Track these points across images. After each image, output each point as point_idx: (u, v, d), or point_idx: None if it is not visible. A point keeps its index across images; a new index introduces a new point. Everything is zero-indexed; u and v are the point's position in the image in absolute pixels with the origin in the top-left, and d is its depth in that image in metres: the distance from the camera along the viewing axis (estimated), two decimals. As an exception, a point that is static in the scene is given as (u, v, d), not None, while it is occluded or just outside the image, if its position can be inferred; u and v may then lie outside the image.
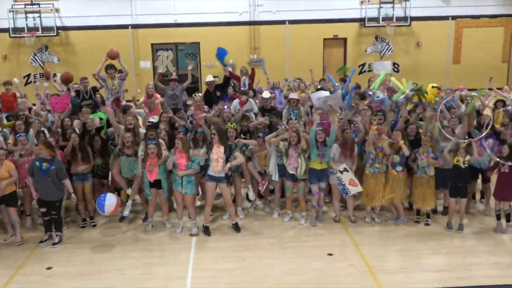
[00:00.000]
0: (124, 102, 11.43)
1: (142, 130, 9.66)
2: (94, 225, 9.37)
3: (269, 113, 10.43)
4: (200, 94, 10.92)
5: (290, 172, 9.08)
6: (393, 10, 22.82)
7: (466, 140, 8.78)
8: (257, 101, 11.49)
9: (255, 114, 10.91)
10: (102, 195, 8.77)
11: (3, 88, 12.06)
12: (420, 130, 9.45)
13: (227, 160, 8.76)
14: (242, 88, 12.40)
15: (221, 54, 12.97)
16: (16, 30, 21.84)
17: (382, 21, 22.83)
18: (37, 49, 22.50)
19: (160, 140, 9.06)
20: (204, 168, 8.91)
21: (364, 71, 23.42)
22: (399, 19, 22.89)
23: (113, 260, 8.16)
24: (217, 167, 8.68)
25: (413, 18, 22.94)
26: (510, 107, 10.74)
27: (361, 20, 23.11)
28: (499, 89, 11.96)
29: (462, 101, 10.87)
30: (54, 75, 20.71)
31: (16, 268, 7.92)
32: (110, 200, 8.58)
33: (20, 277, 7.70)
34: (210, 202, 9.04)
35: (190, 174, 8.78)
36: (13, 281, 7.57)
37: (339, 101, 10.11)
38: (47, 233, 8.75)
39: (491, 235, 8.78)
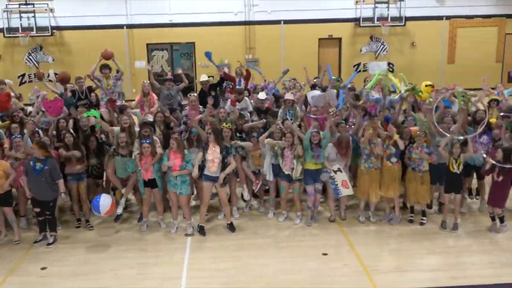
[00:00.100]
0: (119, 102, 11.39)
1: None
2: (91, 228, 9.31)
3: (265, 114, 10.43)
4: (195, 94, 10.87)
5: (286, 172, 9.09)
6: (388, 10, 22.92)
7: (461, 137, 8.83)
8: (252, 100, 11.48)
9: (250, 113, 10.91)
10: (97, 196, 8.76)
11: None
12: (416, 128, 9.45)
13: (223, 160, 8.76)
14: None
15: (208, 55, 13.04)
16: (11, 30, 21.82)
17: (377, 21, 22.92)
18: (31, 49, 22.46)
19: (155, 137, 9.05)
20: (200, 168, 8.90)
21: (359, 71, 23.44)
22: (394, 19, 22.98)
23: (108, 260, 8.15)
24: (212, 167, 8.68)
25: (408, 18, 23.04)
26: (503, 102, 10.83)
27: (356, 20, 23.18)
28: (492, 88, 11.99)
29: (455, 96, 10.94)
30: (49, 75, 20.68)
31: (11, 269, 7.90)
32: (105, 201, 8.56)
33: (15, 277, 7.68)
34: (206, 202, 9.03)
35: (185, 174, 8.78)
36: (7, 282, 7.54)
37: (333, 98, 10.18)
38: (41, 233, 8.74)
39: (485, 235, 8.81)
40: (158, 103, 11.36)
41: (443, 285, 7.27)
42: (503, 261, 7.90)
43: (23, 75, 22.52)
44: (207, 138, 8.92)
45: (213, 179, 8.81)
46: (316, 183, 9.12)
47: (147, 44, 23.05)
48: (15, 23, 21.77)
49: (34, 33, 21.83)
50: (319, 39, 23.47)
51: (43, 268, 7.91)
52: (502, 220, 8.86)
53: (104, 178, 9.99)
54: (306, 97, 11.07)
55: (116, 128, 9.60)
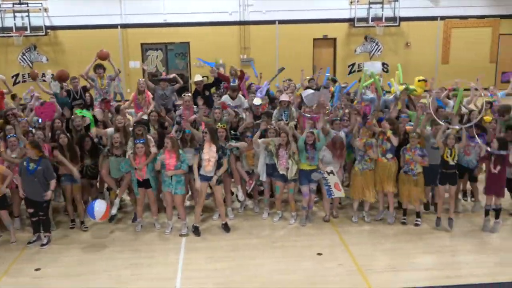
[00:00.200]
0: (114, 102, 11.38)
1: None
2: (86, 229, 9.26)
3: (260, 119, 10.40)
4: (189, 94, 10.86)
5: (281, 172, 9.09)
6: (382, 11, 22.96)
7: (456, 126, 8.89)
8: (247, 100, 11.46)
9: (246, 109, 10.90)
10: (92, 201, 8.73)
11: None
12: (410, 127, 9.48)
13: (218, 160, 8.75)
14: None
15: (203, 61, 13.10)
16: (4, 29, 21.74)
17: (372, 21, 22.96)
18: (25, 48, 22.37)
19: (149, 137, 9.03)
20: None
21: (354, 71, 23.51)
22: (388, 19, 23.03)
23: (102, 261, 8.12)
24: (207, 166, 8.67)
25: (402, 19, 23.09)
26: (496, 102, 10.89)
27: (350, 20, 23.22)
28: (485, 89, 12.04)
29: (449, 97, 11.00)
30: (43, 74, 20.66)
31: (4, 270, 7.86)
32: (100, 206, 8.53)
33: (9, 278, 7.64)
34: (202, 202, 9.02)
35: (180, 174, 8.76)
36: (1, 282, 7.51)
37: (327, 97, 10.21)
38: (35, 234, 8.70)
39: (480, 234, 8.83)
40: (153, 102, 11.35)
41: (437, 285, 7.28)
42: (496, 261, 7.93)
43: (17, 75, 22.43)
44: (202, 138, 8.91)
45: (209, 179, 8.80)
46: (311, 183, 9.13)
47: (142, 44, 23.01)
48: (9, 22, 21.67)
49: (28, 32, 21.74)
50: (313, 39, 23.50)
51: (37, 269, 7.87)
52: (497, 214, 8.87)
53: (98, 179, 9.96)
54: (301, 97, 11.09)
55: (110, 129, 9.57)
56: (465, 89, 9.83)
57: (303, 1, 22.52)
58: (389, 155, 9.00)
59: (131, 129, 9.62)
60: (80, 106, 10.81)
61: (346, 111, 10.32)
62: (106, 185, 10.14)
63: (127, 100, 12.03)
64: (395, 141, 8.89)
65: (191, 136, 9.20)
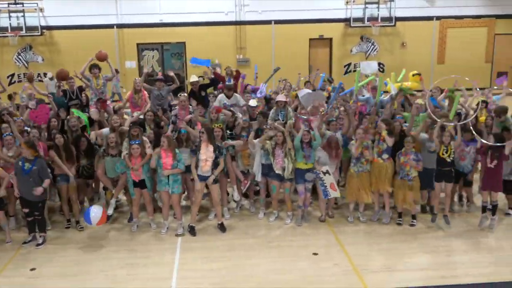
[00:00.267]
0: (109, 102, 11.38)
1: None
2: (82, 229, 9.23)
3: (256, 120, 10.40)
4: (185, 94, 10.86)
5: (277, 172, 9.09)
6: (378, 11, 23.02)
7: (451, 124, 8.97)
8: (242, 99, 11.46)
9: (241, 108, 10.91)
10: (88, 208, 8.70)
11: None
12: (404, 128, 9.50)
13: (215, 160, 8.75)
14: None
15: (196, 61, 13.06)
16: (0, 29, 21.63)
17: (367, 21, 23.03)
18: (21, 48, 22.33)
19: (144, 138, 9.03)
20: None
21: (350, 71, 23.54)
22: (384, 19, 23.09)
23: (98, 261, 8.10)
24: (205, 166, 8.68)
25: (398, 19, 23.17)
26: (493, 106, 10.91)
27: (346, 20, 23.26)
28: (482, 89, 12.08)
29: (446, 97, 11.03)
30: (39, 75, 20.60)
31: (-1, 270, 7.87)
32: (96, 212, 8.52)
33: (3, 278, 7.62)
34: (198, 202, 9.03)
35: (177, 173, 8.76)
36: (-4, 283, 7.51)
37: (322, 99, 10.23)
38: (30, 234, 8.68)
39: (475, 234, 8.85)
40: (150, 101, 11.35)
41: (433, 284, 7.30)
42: (491, 261, 7.94)
43: (12, 75, 22.38)
44: (199, 138, 8.90)
45: (205, 179, 8.80)
46: (307, 182, 9.13)
47: (138, 44, 23.00)
48: (4, 22, 21.63)
49: (23, 32, 21.71)
50: (309, 39, 23.53)
51: (32, 269, 7.85)
52: (494, 211, 8.90)
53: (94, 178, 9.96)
54: (297, 98, 11.11)
55: (105, 129, 9.57)
56: (457, 89, 9.88)
57: (299, 1, 22.54)
58: (385, 156, 9.01)
59: (123, 127, 9.59)
60: (76, 106, 10.79)
61: (342, 108, 10.34)
62: (102, 185, 10.12)
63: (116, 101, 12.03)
64: (390, 141, 8.90)
65: (187, 136, 9.19)
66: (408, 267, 7.80)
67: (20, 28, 21.67)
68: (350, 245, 8.48)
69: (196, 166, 8.78)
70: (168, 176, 8.69)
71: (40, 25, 21.81)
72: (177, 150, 8.81)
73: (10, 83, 21.85)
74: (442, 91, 11.13)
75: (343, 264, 7.88)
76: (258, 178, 9.41)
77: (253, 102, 10.66)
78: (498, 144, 8.55)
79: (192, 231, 8.93)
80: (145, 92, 11.38)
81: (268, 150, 9.09)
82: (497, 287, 7.27)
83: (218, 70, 13.14)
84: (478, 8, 23.62)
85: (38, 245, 8.56)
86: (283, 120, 9.97)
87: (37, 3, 21.61)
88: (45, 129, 9.89)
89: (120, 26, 22.44)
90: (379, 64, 22.10)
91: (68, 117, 10.05)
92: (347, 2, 22.98)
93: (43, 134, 9.79)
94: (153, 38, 22.75)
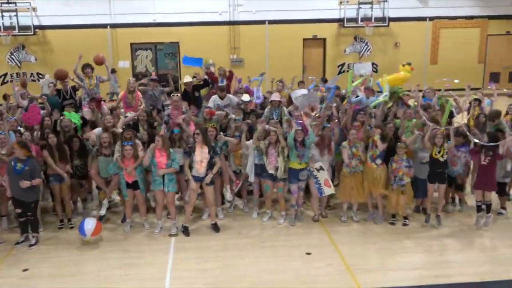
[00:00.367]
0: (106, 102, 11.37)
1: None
2: (72, 227, 9.23)
3: (249, 115, 10.42)
4: (178, 94, 10.85)
5: (270, 171, 9.09)
6: (372, 11, 23.07)
7: (444, 128, 8.96)
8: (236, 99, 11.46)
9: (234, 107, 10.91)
10: (82, 221, 8.66)
11: None
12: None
13: (210, 160, 8.73)
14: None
15: (188, 61, 13.07)
16: (-8, 29, 21.56)
17: (361, 21, 23.08)
18: (13, 48, 22.23)
19: (137, 141, 9.00)
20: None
21: (343, 71, 23.57)
22: (377, 19, 23.14)
23: (91, 261, 8.07)
24: (200, 168, 8.66)
25: (391, 19, 23.22)
26: (485, 109, 10.96)
27: (340, 21, 23.30)
28: (475, 89, 12.13)
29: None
30: (38, 74, 20.53)
31: (-8, 270, 7.81)
32: (89, 224, 8.50)
33: (-4, 279, 7.60)
34: (193, 202, 9.01)
35: (171, 172, 8.73)
36: (-12, 284, 7.47)
37: (316, 100, 10.24)
38: (23, 235, 8.63)
39: (469, 234, 8.88)
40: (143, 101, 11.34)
41: (426, 284, 7.32)
42: (485, 260, 7.97)
43: (5, 75, 22.29)
44: (193, 138, 8.88)
45: (201, 180, 8.78)
46: (300, 181, 9.13)
47: (131, 44, 22.94)
48: (-3, 22, 21.54)
49: (16, 32, 21.61)
50: (303, 39, 23.55)
51: (24, 270, 7.81)
52: (488, 209, 8.92)
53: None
54: (289, 98, 11.13)
55: (98, 129, 9.54)
56: (449, 90, 9.90)
57: (292, 1, 22.54)
58: (379, 161, 9.00)
59: (115, 129, 9.56)
60: (71, 106, 10.75)
61: (334, 105, 10.39)
62: (92, 184, 10.10)
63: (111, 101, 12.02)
64: (381, 146, 8.90)
65: (179, 136, 9.17)
66: (402, 267, 7.80)
67: (13, 28, 21.57)
68: (344, 245, 8.48)
69: (190, 168, 8.76)
70: (163, 175, 8.67)
71: (33, 25, 21.71)
72: (171, 150, 8.79)
73: (2, 83, 21.79)
74: (435, 92, 11.19)
75: (336, 263, 7.88)
76: (251, 179, 9.41)
77: (246, 97, 10.68)
78: (492, 144, 8.57)
79: (185, 231, 8.91)
80: (139, 93, 11.36)
81: (262, 150, 9.08)
82: (490, 286, 7.29)
83: (212, 69, 13.14)
84: (471, 8, 23.71)
85: (30, 245, 8.52)
86: (277, 119, 9.98)
87: (30, 3, 21.52)
88: (38, 128, 9.85)
89: (114, 25, 22.39)
90: (373, 64, 22.20)
91: (61, 117, 10.01)
92: (340, 2, 23.01)
93: (36, 134, 9.75)
94: (147, 38, 22.71)
